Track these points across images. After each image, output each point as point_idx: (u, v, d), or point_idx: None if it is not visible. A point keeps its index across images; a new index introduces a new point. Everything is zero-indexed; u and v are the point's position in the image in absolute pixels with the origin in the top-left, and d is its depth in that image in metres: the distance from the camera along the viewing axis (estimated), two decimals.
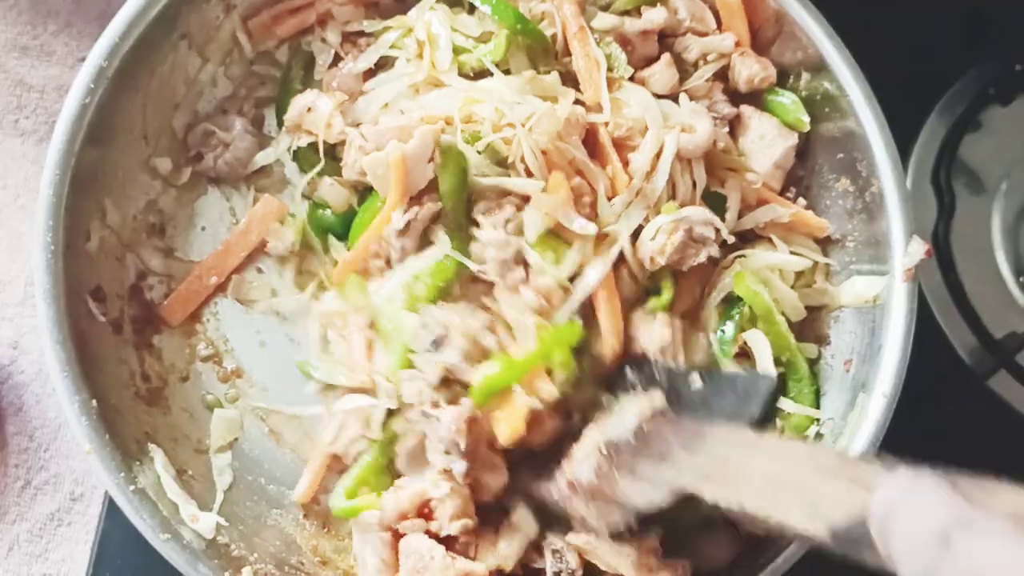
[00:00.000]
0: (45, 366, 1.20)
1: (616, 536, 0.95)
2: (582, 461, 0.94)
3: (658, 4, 1.10)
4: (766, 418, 1.02)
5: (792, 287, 1.11)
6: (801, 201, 1.13)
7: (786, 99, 1.12)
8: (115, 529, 1.14)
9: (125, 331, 1.09)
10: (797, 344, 1.09)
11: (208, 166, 1.14)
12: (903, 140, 1.04)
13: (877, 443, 0.99)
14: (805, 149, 1.13)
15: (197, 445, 1.09)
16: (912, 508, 0.65)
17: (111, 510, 1.14)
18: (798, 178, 1.14)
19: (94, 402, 0.98)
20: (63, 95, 1.02)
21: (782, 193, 1.14)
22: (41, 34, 1.32)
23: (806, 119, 1.11)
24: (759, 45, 1.13)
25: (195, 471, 1.06)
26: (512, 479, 1.01)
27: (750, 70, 1.11)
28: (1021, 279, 1.26)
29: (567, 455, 0.97)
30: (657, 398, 0.98)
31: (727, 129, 1.13)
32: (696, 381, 1.03)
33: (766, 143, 1.12)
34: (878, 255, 1.05)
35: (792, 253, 1.11)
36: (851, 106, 1.05)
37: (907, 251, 1.02)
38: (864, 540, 0.68)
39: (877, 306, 1.05)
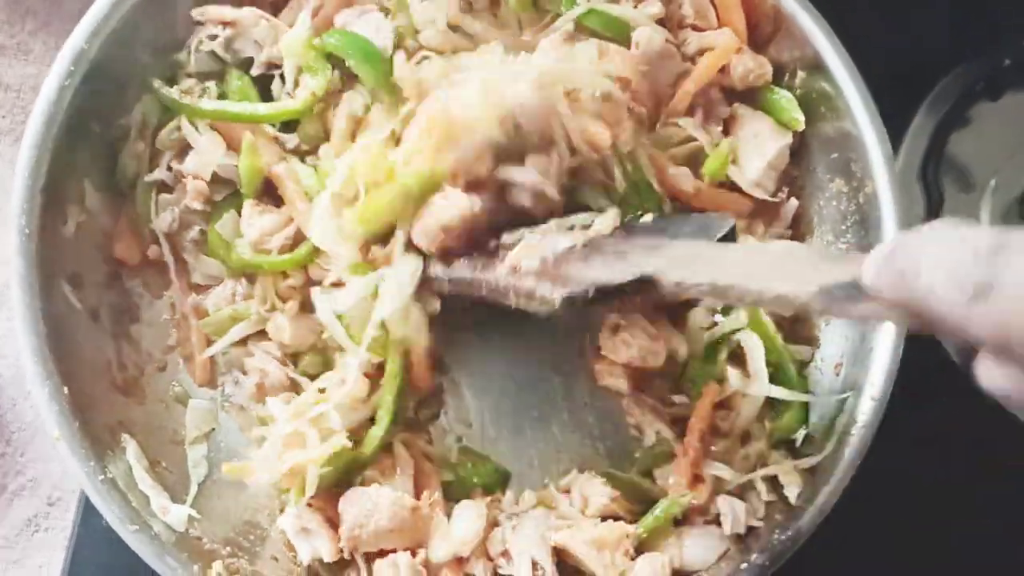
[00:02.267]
0: (22, 369, 1.18)
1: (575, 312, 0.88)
2: (525, 257, 0.91)
3: None
4: None
5: None
6: (794, 202, 1.12)
7: (782, 97, 1.10)
8: (89, 534, 1.11)
9: (103, 319, 1.07)
10: (787, 346, 1.08)
11: None
12: (891, 136, 1.02)
13: (866, 446, 0.97)
14: (800, 149, 1.11)
15: (172, 436, 1.07)
16: (942, 240, 0.62)
17: (86, 514, 1.12)
18: (792, 178, 1.12)
19: (65, 389, 0.96)
20: None
21: (775, 193, 1.11)
22: (18, 33, 1.29)
23: (801, 118, 1.09)
24: (757, 42, 1.11)
25: (169, 463, 1.05)
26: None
27: (746, 67, 1.09)
28: None
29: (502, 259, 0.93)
30: (611, 215, 0.95)
31: (721, 128, 1.11)
32: (647, 218, 0.99)
33: (760, 142, 1.10)
34: None
35: None
36: (847, 106, 1.03)
37: None
38: (854, 296, 0.67)
39: None
